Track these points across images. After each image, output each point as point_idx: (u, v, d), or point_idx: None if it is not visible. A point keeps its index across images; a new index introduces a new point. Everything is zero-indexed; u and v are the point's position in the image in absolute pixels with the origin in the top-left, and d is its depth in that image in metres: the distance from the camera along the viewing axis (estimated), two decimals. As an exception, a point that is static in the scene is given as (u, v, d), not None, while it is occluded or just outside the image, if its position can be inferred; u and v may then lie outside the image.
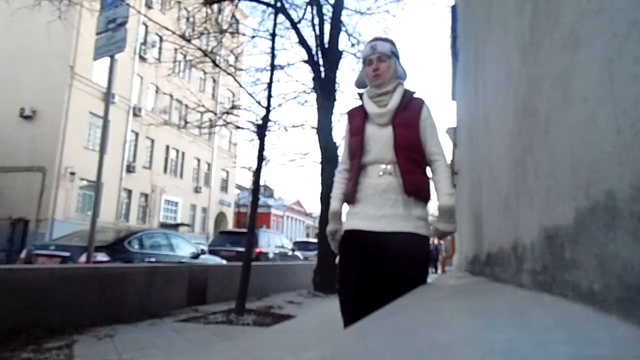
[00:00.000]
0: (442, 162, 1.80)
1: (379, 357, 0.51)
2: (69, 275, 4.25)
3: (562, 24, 0.79)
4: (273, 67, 6.09)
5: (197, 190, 26.99)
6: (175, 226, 21.91)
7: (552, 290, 0.86)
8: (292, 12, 8.35)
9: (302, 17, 8.53)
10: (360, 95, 1.94)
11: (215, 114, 7.07)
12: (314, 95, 8.63)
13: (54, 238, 10.91)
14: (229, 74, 6.58)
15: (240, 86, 7.03)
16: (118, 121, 19.47)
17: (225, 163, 29.15)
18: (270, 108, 5.85)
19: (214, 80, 24.73)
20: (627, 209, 0.53)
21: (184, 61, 8.80)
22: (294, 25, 8.20)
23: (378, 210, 1.74)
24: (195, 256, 7.62)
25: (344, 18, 9.12)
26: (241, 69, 8.99)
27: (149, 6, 20.86)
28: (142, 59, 20.51)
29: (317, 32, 8.59)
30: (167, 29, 6.59)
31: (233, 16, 8.50)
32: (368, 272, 1.72)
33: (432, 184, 1.85)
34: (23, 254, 6.31)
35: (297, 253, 14.37)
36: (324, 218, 7.73)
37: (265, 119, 5.81)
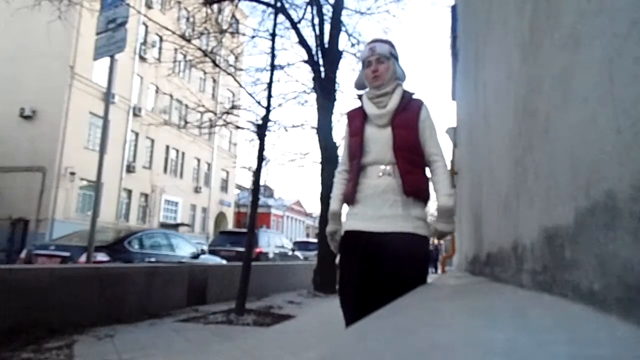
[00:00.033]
0: (441, 163, 1.81)
1: (379, 357, 0.51)
2: (69, 275, 4.25)
3: (562, 24, 0.79)
4: (273, 67, 6.09)
5: (197, 190, 26.99)
6: (175, 226, 21.91)
7: (552, 290, 0.86)
8: (292, 12, 8.36)
9: (302, 17, 8.54)
10: (360, 96, 1.95)
11: (215, 114, 7.07)
12: (314, 95, 8.64)
13: (54, 238, 10.92)
14: (229, 74, 6.58)
15: (240, 86, 7.03)
16: (118, 121, 19.47)
17: (225, 163, 29.15)
18: (270, 108, 5.85)
19: (214, 80, 24.74)
20: (627, 209, 0.53)
21: (184, 61, 8.81)
22: (294, 25, 8.20)
23: (377, 210, 1.75)
24: (195, 256, 7.62)
25: (344, 18, 9.13)
26: (241, 69, 8.99)
27: (149, 6, 20.86)
28: (142, 59, 20.51)
29: (317, 32, 8.60)
30: (167, 29, 6.59)
31: (233, 16, 8.50)
32: (368, 272, 1.73)
33: (431, 185, 1.86)
34: (23, 254, 6.31)
35: (297, 253, 14.36)
36: (324, 218, 7.73)
37: (265, 119, 5.81)
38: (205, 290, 5.92)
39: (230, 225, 30.01)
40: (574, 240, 0.72)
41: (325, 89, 8.29)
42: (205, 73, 12.12)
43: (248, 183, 22.34)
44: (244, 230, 10.74)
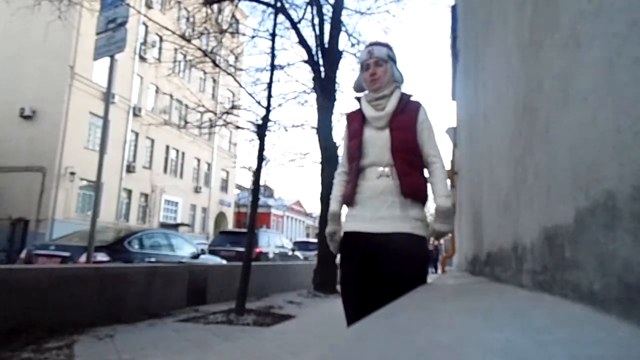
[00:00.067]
0: (439, 164, 1.83)
1: (378, 357, 0.51)
2: (69, 275, 4.25)
3: (562, 24, 0.79)
4: (273, 67, 6.09)
5: (197, 190, 27.00)
6: (175, 226, 21.92)
7: (552, 290, 0.86)
8: (292, 12, 8.36)
9: (302, 17, 8.53)
10: (358, 99, 1.97)
11: (215, 114, 7.06)
12: (314, 95, 8.63)
13: (54, 238, 10.91)
14: (229, 74, 6.58)
15: (240, 86, 7.03)
16: (118, 121, 19.48)
17: (225, 163, 29.15)
18: (270, 108, 5.85)
19: (214, 80, 24.74)
20: (627, 209, 0.53)
21: (184, 61, 8.80)
22: (294, 25, 8.20)
23: (376, 212, 1.77)
24: (195, 256, 7.62)
25: (344, 18, 9.12)
26: (241, 69, 8.98)
27: (149, 6, 20.87)
28: (142, 59, 20.51)
29: (317, 32, 8.59)
30: (167, 29, 6.59)
31: (233, 16, 8.50)
32: (368, 272, 1.75)
33: (429, 186, 1.87)
34: (23, 254, 6.30)
35: (297, 253, 14.37)
36: (324, 218, 7.73)
37: (265, 119, 5.81)
38: (205, 290, 5.92)
39: (230, 225, 30.02)
40: (574, 240, 0.72)
41: (325, 89, 8.29)
42: (205, 73, 12.11)
43: (248, 183, 22.34)
44: (244, 230, 10.74)
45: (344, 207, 1.95)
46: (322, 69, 8.42)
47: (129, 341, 3.57)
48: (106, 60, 5.93)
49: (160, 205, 23.79)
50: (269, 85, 5.91)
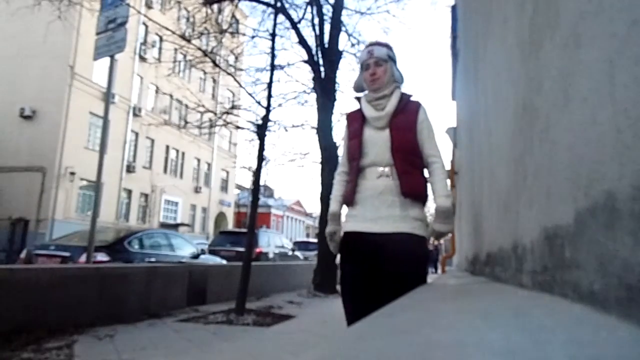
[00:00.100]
0: (439, 164, 1.83)
1: (378, 357, 0.51)
2: (69, 275, 4.25)
3: (562, 24, 0.79)
4: (273, 67, 6.09)
5: (197, 190, 26.99)
6: (175, 226, 21.92)
7: (552, 290, 0.86)
8: (292, 12, 8.35)
9: (302, 17, 8.52)
10: (358, 99, 1.97)
11: (215, 114, 7.06)
12: (314, 95, 8.63)
13: (54, 238, 10.91)
14: (229, 74, 6.57)
15: (240, 86, 7.03)
16: (118, 121, 19.48)
17: (225, 163, 29.15)
18: (270, 108, 5.85)
19: (214, 80, 24.73)
20: (627, 209, 0.53)
21: (184, 61, 8.79)
22: (294, 25, 8.19)
23: (376, 211, 1.77)
24: (195, 256, 7.62)
25: (344, 18, 9.12)
26: (241, 69, 8.98)
27: (149, 6, 20.86)
28: (142, 59, 20.51)
29: (317, 32, 8.59)
30: (167, 29, 6.59)
31: (233, 16, 8.49)
32: (367, 272, 1.76)
33: (429, 185, 1.87)
34: (23, 254, 6.30)
35: (297, 253, 14.37)
36: (324, 218, 7.73)
37: (265, 119, 5.81)
38: (205, 290, 5.92)
39: (230, 225, 30.02)
40: (574, 240, 0.72)
41: (325, 89, 8.29)
42: (205, 73, 12.10)
43: (248, 183, 22.33)
44: (244, 230, 10.74)
45: (344, 207, 1.95)
46: (322, 69, 8.41)
47: (129, 341, 3.57)
48: (106, 60, 5.93)
49: (160, 205, 23.79)
50: (269, 85, 5.91)
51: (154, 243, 7.01)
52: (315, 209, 38.07)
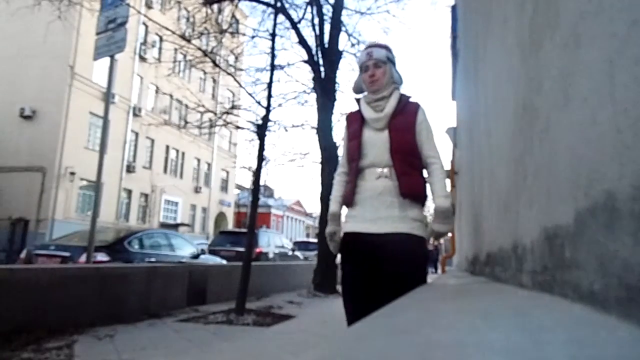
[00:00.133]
0: (438, 165, 1.84)
1: (378, 357, 0.51)
2: (69, 275, 4.25)
3: (562, 24, 0.79)
4: (273, 67, 6.09)
5: (197, 190, 26.99)
6: (175, 226, 21.92)
7: (552, 290, 0.86)
8: (292, 12, 8.35)
9: (302, 17, 8.52)
10: (358, 100, 1.98)
11: (215, 114, 7.06)
12: (314, 95, 8.63)
13: (54, 238, 10.92)
14: (229, 74, 6.57)
15: (240, 86, 7.03)
16: (118, 121, 19.48)
17: (225, 163, 29.15)
18: (270, 108, 5.85)
19: (214, 80, 24.73)
20: (627, 209, 0.53)
21: (184, 61, 8.79)
22: (294, 25, 8.19)
23: (375, 212, 1.78)
24: (195, 256, 7.62)
25: (344, 18, 9.12)
26: (241, 69, 8.98)
27: (149, 6, 20.86)
28: (142, 59, 20.51)
29: (317, 32, 8.58)
30: (167, 29, 6.59)
31: (233, 16, 8.49)
32: (367, 273, 1.77)
33: (429, 186, 1.88)
34: (23, 254, 6.30)
35: (297, 253, 14.37)
36: (324, 218, 7.72)
37: (265, 119, 5.81)
38: (205, 290, 5.92)
39: (230, 225, 30.02)
40: (574, 240, 0.72)
41: (325, 89, 8.28)
42: (205, 73, 12.10)
43: (248, 183, 22.32)
44: (244, 230, 10.74)
45: (344, 207, 1.96)
46: (322, 69, 8.41)
47: (129, 341, 3.57)
48: (106, 60, 5.93)
49: (160, 205, 23.79)
50: (269, 85, 5.91)
51: (154, 243, 7.01)
52: (315, 209, 38.07)
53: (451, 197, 1.94)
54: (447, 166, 5.96)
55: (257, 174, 5.75)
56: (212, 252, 10.16)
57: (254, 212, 5.74)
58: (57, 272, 4.22)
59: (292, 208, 46.85)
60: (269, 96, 5.86)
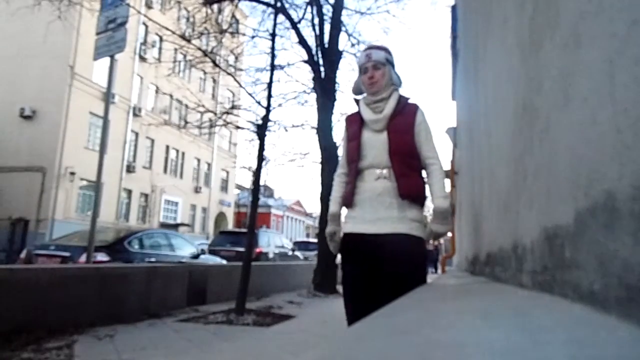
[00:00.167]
0: (436, 166, 1.85)
1: (378, 357, 0.51)
2: (69, 275, 4.25)
3: (562, 24, 0.79)
4: (273, 67, 6.09)
5: (197, 190, 26.99)
6: (175, 226, 21.92)
7: (552, 290, 0.86)
8: (292, 12, 8.34)
9: (302, 17, 8.52)
10: (357, 101, 1.99)
11: (215, 114, 7.06)
12: (314, 95, 8.63)
13: (54, 238, 10.92)
14: (229, 74, 6.57)
15: (240, 86, 7.03)
16: (118, 121, 19.48)
17: (225, 163, 29.15)
18: (270, 108, 5.85)
19: (214, 80, 24.73)
20: (627, 209, 0.53)
21: (184, 61, 8.79)
22: (294, 25, 8.19)
23: (374, 213, 1.80)
24: (195, 256, 7.62)
25: (344, 18, 9.12)
26: (241, 69, 8.98)
27: (149, 6, 20.86)
28: (142, 59, 20.50)
29: (317, 32, 8.58)
30: (167, 29, 6.59)
31: (233, 16, 8.49)
32: (367, 273, 1.78)
33: (428, 187, 1.89)
34: (23, 254, 6.30)
35: (297, 253, 14.37)
36: (324, 218, 7.72)
37: (265, 119, 5.81)
38: (205, 290, 5.92)
39: (230, 225, 30.02)
40: (574, 240, 0.72)
41: (325, 89, 8.28)
42: (205, 73, 12.10)
43: (248, 183, 22.31)
44: (244, 230, 10.74)
45: (344, 208, 1.97)
46: (322, 69, 8.41)
47: (129, 341, 3.57)
48: (106, 60, 5.92)
49: (160, 205, 23.79)
50: (269, 85, 5.91)
51: (154, 243, 7.01)
52: (315, 209, 38.07)
53: (450, 197, 1.95)
54: (447, 166, 5.97)
55: (257, 174, 5.75)
56: (212, 252, 10.17)
57: (254, 212, 5.74)
58: (57, 272, 4.22)
59: (292, 208, 46.85)
60: (269, 96, 5.87)
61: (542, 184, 0.94)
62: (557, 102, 0.83)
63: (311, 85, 8.71)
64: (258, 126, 5.88)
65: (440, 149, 1.92)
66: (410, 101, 1.93)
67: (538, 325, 0.64)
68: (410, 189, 1.80)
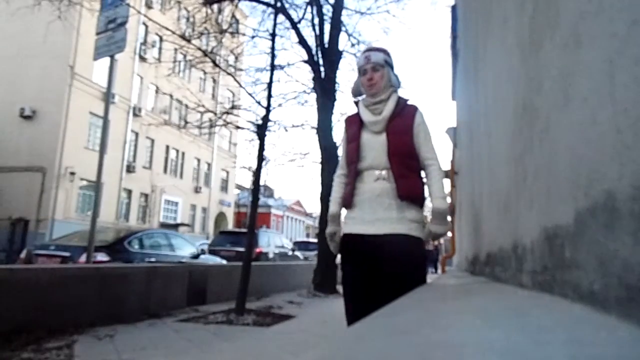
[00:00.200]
0: (435, 167, 1.86)
1: (378, 357, 0.51)
2: (69, 275, 4.25)
3: (562, 24, 0.79)
4: (273, 67, 6.09)
5: (197, 190, 26.99)
6: (175, 226, 21.92)
7: (552, 290, 0.86)
8: (292, 12, 8.34)
9: (302, 17, 8.51)
10: (357, 103, 2.00)
11: (215, 114, 7.06)
12: (314, 95, 8.63)
13: (54, 238, 10.91)
14: (229, 74, 6.57)
15: (240, 86, 7.03)
16: (118, 121, 19.48)
17: (225, 163, 29.15)
18: (270, 108, 5.85)
19: (214, 80, 24.73)
20: (627, 209, 0.53)
21: (184, 61, 8.78)
22: (294, 25, 8.19)
23: (373, 214, 1.81)
24: (195, 256, 7.62)
25: (344, 18, 9.12)
26: (241, 69, 8.98)
27: (149, 6, 20.86)
28: (142, 59, 20.50)
29: (317, 32, 8.58)
30: (167, 29, 6.59)
31: (233, 16, 8.49)
32: (367, 273, 1.79)
33: (427, 188, 1.89)
34: (23, 254, 6.30)
35: (297, 253, 14.37)
36: (324, 218, 7.72)
37: (265, 119, 5.81)
38: (205, 290, 5.92)
39: (230, 225, 30.02)
40: (574, 240, 0.72)
41: (325, 89, 8.28)
42: (205, 73, 12.10)
43: (248, 183, 22.31)
44: (244, 230, 10.74)
45: (343, 208, 1.98)
46: (322, 69, 8.41)
47: (129, 341, 3.57)
48: (106, 60, 5.92)
49: (160, 205, 23.79)
50: (269, 85, 5.91)
51: (154, 243, 7.01)
52: (315, 209, 38.07)
53: (449, 198, 1.96)
54: (447, 166, 5.96)
55: (257, 174, 5.75)
56: (212, 252, 10.16)
57: (254, 212, 5.74)
58: (57, 272, 4.22)
59: (292, 208, 46.85)
60: (269, 96, 5.87)
61: (542, 184, 0.94)
62: (557, 102, 0.83)
63: (311, 85, 8.71)
64: (258, 126, 5.88)
65: (440, 150, 1.93)
66: (409, 103, 1.93)
67: (538, 325, 0.64)
68: (409, 190, 1.80)
